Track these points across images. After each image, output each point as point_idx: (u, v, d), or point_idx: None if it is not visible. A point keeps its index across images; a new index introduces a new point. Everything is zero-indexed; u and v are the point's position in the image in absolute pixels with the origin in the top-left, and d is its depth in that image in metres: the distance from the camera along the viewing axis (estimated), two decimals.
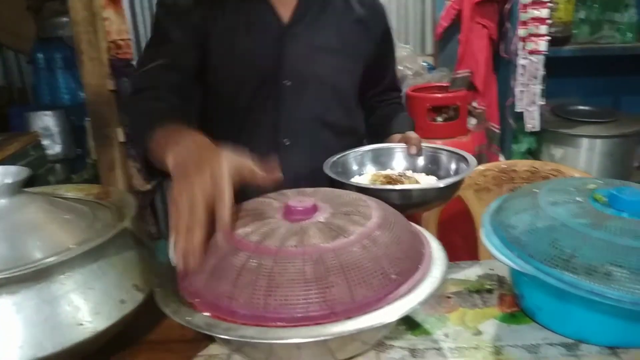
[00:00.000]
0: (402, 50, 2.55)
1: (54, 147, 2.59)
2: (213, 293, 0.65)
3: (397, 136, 1.18)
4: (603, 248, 0.67)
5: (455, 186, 0.97)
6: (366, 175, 1.09)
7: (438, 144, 1.18)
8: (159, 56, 1.09)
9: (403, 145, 1.13)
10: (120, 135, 2.32)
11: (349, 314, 0.61)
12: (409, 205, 0.92)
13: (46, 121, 2.57)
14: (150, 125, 0.90)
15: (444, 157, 1.10)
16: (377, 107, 1.38)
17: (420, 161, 1.12)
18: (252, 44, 1.14)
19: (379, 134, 1.27)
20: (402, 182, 1.01)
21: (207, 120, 1.21)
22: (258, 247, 0.66)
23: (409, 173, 1.09)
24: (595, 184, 0.80)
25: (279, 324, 0.61)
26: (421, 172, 1.10)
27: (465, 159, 1.04)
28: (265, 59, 1.15)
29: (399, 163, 1.14)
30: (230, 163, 0.72)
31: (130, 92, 1.10)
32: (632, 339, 0.71)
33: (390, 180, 1.02)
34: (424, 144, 1.13)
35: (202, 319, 0.66)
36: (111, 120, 2.28)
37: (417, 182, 1.03)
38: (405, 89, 2.43)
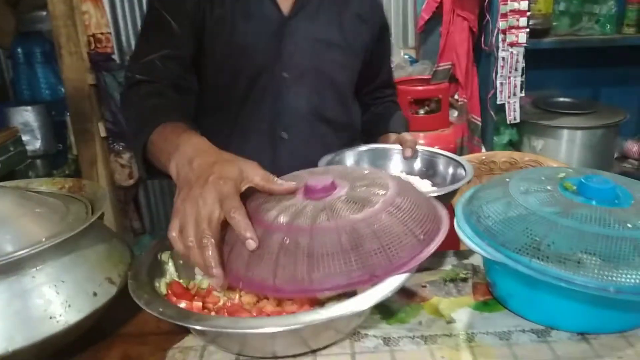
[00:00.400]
0: None
1: (34, 143, 2.56)
2: (258, 276, 0.68)
3: (392, 136, 1.18)
4: (572, 236, 0.68)
5: (447, 196, 0.95)
6: None
7: (420, 136, 1.18)
8: (157, 46, 1.05)
9: (400, 146, 1.13)
10: (101, 129, 2.30)
11: (388, 275, 0.66)
12: None
13: (26, 116, 2.53)
14: (149, 124, 0.90)
15: (440, 162, 1.10)
16: (372, 105, 1.37)
17: (417, 164, 1.13)
18: (250, 35, 1.11)
19: (373, 133, 1.27)
20: None
21: (202, 112, 1.19)
22: (290, 227, 0.68)
23: (403, 176, 1.08)
24: (565, 172, 0.81)
25: (326, 293, 0.67)
26: (417, 175, 1.10)
27: (462, 166, 1.03)
28: (263, 51, 1.12)
29: (395, 165, 1.14)
30: (237, 172, 0.72)
31: (127, 84, 1.05)
32: (601, 324, 0.72)
33: None
34: (423, 148, 1.13)
35: (174, 310, 0.66)
36: (92, 114, 2.27)
37: None
38: None
